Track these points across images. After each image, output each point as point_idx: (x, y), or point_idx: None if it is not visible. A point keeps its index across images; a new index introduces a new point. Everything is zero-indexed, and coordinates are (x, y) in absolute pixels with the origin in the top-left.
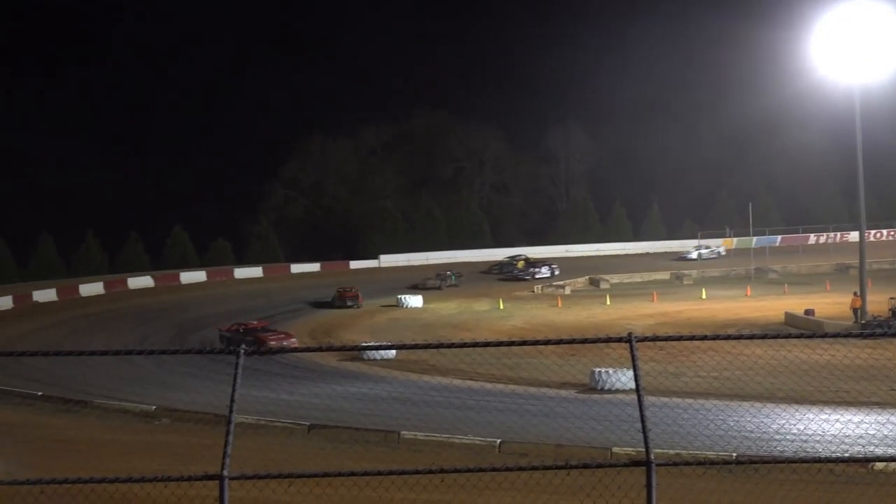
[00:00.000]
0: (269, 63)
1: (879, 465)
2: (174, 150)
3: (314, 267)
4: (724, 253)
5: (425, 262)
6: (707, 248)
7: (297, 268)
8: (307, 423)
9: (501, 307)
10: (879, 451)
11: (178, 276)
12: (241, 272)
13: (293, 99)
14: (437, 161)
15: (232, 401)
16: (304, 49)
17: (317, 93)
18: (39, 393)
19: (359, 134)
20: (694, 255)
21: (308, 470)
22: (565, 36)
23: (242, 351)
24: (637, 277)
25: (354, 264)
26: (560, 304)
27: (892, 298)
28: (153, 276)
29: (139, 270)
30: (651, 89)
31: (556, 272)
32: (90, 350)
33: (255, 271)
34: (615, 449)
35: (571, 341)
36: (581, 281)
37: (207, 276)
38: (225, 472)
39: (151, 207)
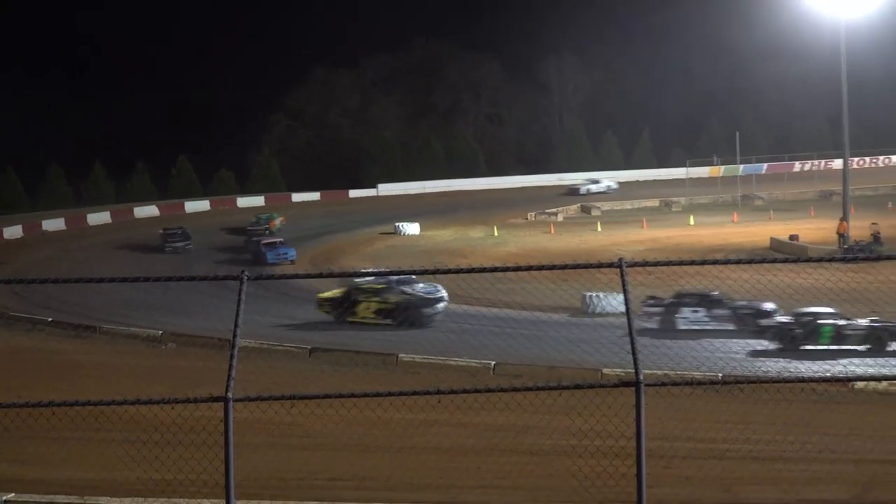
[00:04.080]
0: None
1: (860, 385)
2: (180, 81)
3: (314, 196)
4: (615, 187)
5: (422, 191)
6: (595, 182)
7: (297, 197)
8: (308, 347)
9: (496, 234)
10: (860, 371)
11: (182, 206)
12: (243, 201)
13: (296, 31)
14: (436, 92)
15: (236, 325)
16: None
17: (319, 25)
18: (49, 319)
19: (360, 66)
20: (582, 189)
21: (309, 392)
22: None
23: (246, 277)
24: (627, 205)
25: (353, 193)
26: (553, 231)
27: (873, 224)
28: (158, 206)
29: (145, 200)
30: (643, 20)
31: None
32: (98, 277)
33: (258, 200)
34: (605, 370)
35: (564, 267)
36: (573, 208)
37: (211, 205)
38: (229, 395)
39: (157, 138)
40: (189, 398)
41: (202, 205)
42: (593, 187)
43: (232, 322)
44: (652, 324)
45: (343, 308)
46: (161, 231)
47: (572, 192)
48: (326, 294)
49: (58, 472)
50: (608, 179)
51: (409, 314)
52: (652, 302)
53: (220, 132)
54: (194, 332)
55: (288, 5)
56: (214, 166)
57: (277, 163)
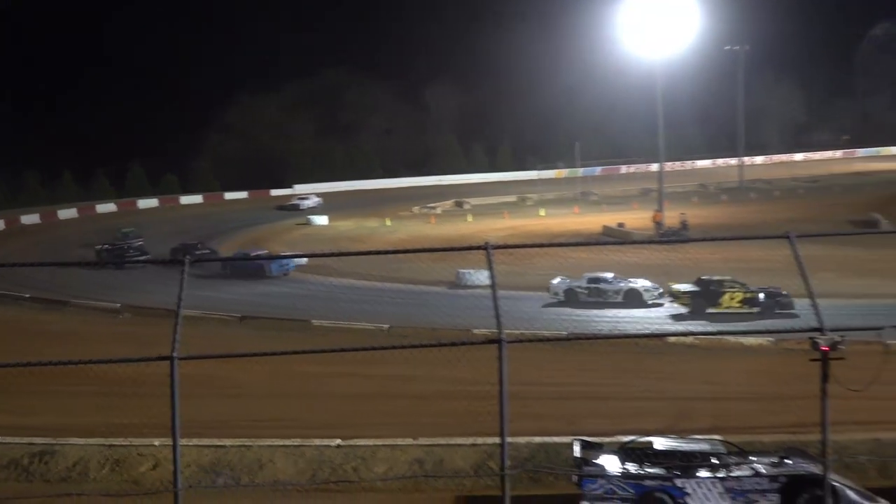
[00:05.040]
0: (207, 31)
1: (672, 339)
2: (133, 99)
3: (243, 194)
4: (321, 202)
5: (329, 190)
6: (308, 198)
7: (230, 195)
8: (239, 315)
9: (388, 224)
10: (671, 329)
11: (135, 203)
12: (185, 199)
13: (229, 60)
14: (340, 111)
15: (179, 299)
16: (232, 22)
17: (247, 55)
18: (28, 295)
19: (280, 89)
20: (302, 205)
21: (240, 351)
22: (437, 8)
23: (187, 260)
24: (492, 200)
25: (274, 192)
26: (433, 221)
27: (682, 214)
28: (116, 203)
29: (105, 199)
30: (503, 52)
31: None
32: (67, 261)
33: (197, 199)
34: (475, 330)
35: (442, 249)
36: (449, 203)
37: (159, 203)
38: (175, 354)
39: (115, 147)
40: (142, 357)
41: (152, 202)
42: (308, 202)
43: (177, 296)
44: None
45: (706, 299)
46: (104, 246)
47: (292, 207)
48: (681, 287)
49: (35, 420)
50: (314, 196)
51: (776, 303)
52: None
53: (166, 142)
54: (146, 304)
55: (219, 40)
56: (161, 171)
57: (213, 167)
